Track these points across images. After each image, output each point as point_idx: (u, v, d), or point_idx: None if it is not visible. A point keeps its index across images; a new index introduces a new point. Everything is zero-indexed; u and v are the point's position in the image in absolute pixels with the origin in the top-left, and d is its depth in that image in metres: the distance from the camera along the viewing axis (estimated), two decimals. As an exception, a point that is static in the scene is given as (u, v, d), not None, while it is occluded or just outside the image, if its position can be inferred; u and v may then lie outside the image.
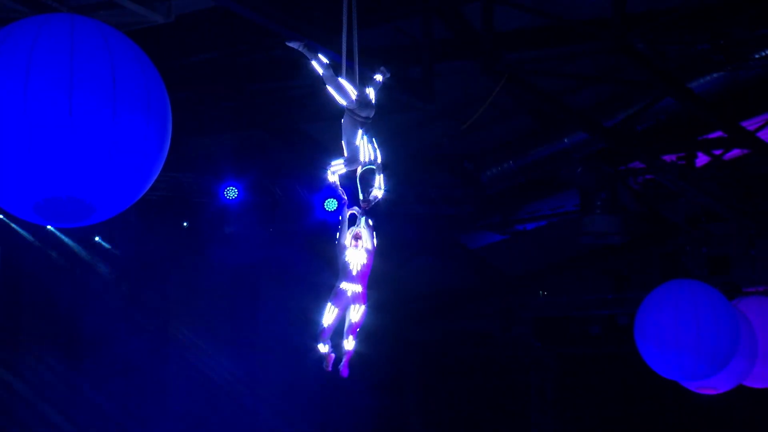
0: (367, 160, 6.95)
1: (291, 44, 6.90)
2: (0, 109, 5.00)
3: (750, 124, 10.41)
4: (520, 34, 9.10)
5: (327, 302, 6.98)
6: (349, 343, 6.92)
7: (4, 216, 11.86)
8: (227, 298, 14.09)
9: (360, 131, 6.94)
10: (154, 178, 5.50)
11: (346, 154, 6.99)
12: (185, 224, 12.80)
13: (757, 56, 9.00)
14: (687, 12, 8.52)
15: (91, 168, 5.09)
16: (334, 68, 6.84)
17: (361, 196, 7.08)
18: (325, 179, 6.99)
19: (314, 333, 6.99)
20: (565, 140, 10.98)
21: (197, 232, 12.95)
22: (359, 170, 6.98)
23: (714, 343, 8.85)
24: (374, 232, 7.17)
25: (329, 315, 6.94)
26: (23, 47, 5.07)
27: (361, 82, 7.00)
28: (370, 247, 7.10)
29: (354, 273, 6.99)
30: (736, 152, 11.00)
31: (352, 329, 6.96)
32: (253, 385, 14.41)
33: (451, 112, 10.92)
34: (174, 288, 13.78)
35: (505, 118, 11.34)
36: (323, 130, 11.08)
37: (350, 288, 7.02)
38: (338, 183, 7.03)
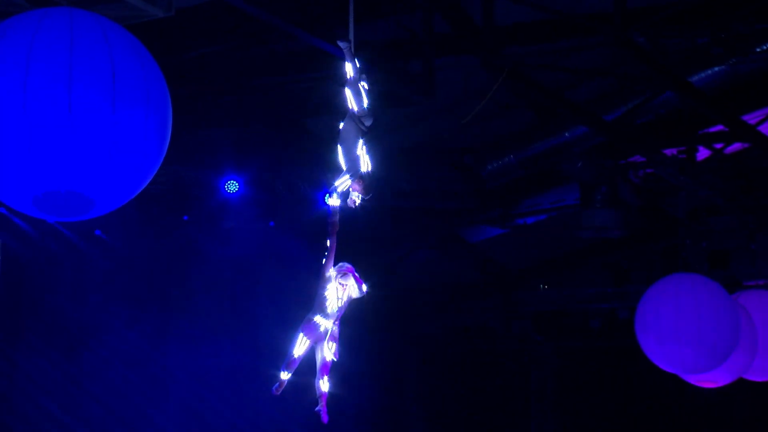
0: (365, 171, 6.84)
1: (341, 43, 6.83)
2: (0, 102, 4.99)
3: (751, 118, 10.39)
4: (521, 29, 9.08)
5: (298, 332, 6.75)
6: (324, 384, 6.70)
7: (5, 209, 11.85)
8: (227, 292, 14.08)
9: (361, 141, 6.86)
10: (154, 172, 5.48)
11: (344, 166, 6.88)
12: (185, 218, 12.79)
13: (758, 50, 8.98)
14: (687, 6, 8.51)
15: (91, 162, 5.07)
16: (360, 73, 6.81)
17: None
18: (330, 202, 6.82)
19: (281, 361, 6.87)
20: (566, 134, 10.97)
21: (197, 225, 12.93)
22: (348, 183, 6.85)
23: (714, 337, 8.85)
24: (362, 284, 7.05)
25: (301, 346, 6.71)
26: (23, 41, 5.06)
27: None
28: (355, 295, 6.91)
29: (329, 311, 6.80)
30: (737, 146, 10.99)
31: (326, 369, 6.72)
32: (253, 379, 14.42)
33: (451, 106, 10.90)
34: (174, 282, 13.77)
35: (506, 113, 11.32)
36: (324, 124, 11.06)
37: (324, 323, 6.78)
38: (338, 208, 6.86)
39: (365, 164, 6.78)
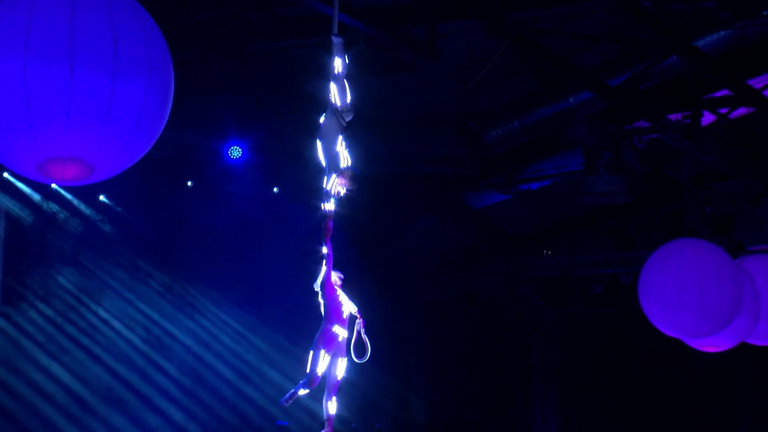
0: (344, 166, 6.82)
1: (334, 38, 6.79)
2: (1, 69, 4.96)
3: (756, 83, 10.31)
4: (526, -6, 8.99)
5: (318, 348, 6.85)
6: (332, 406, 6.78)
7: (9, 174, 11.84)
8: (230, 257, 14.10)
9: (340, 137, 6.83)
10: (156, 138, 5.45)
11: (324, 162, 6.86)
12: (189, 183, 12.76)
13: (765, 13, 8.88)
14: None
15: (92, 128, 5.04)
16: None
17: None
18: (323, 206, 6.80)
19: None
20: (570, 100, 10.89)
21: (201, 191, 12.92)
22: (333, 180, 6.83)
23: (717, 302, 8.84)
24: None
25: (323, 363, 6.83)
26: (23, 8, 5.01)
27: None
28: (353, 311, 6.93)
29: (344, 316, 6.91)
30: (741, 111, 10.91)
31: (335, 388, 6.82)
32: (258, 343, 14.48)
33: (456, 72, 10.84)
34: (178, 247, 13.78)
35: (510, 78, 11.25)
36: (326, 90, 11.00)
37: (341, 333, 6.89)
38: (331, 213, 6.84)
39: (344, 159, 6.79)
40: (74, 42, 4.95)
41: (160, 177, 12.41)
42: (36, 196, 12.58)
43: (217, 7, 9.69)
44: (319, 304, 7.23)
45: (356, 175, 6.87)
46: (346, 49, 6.76)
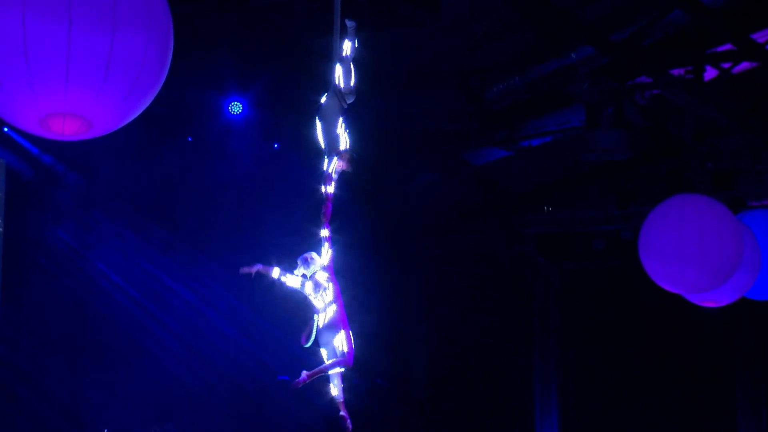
0: (343, 149, 6.83)
1: (348, 22, 6.80)
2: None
3: (760, 37, 10.24)
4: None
5: (347, 328, 7.02)
6: (336, 389, 6.96)
7: (9, 128, 11.81)
8: (231, 213, 14.10)
9: (341, 119, 6.83)
10: (155, 93, 5.42)
11: (323, 143, 6.86)
12: (189, 139, 12.74)
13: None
14: None
15: (91, 83, 5.02)
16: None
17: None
18: (322, 189, 6.79)
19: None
20: (572, 55, 10.84)
21: (201, 147, 12.89)
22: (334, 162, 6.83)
23: (717, 256, 8.85)
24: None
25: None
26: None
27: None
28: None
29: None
30: (745, 65, 10.85)
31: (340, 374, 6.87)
32: (258, 298, 14.53)
33: (457, 26, 10.76)
34: (178, 203, 13.78)
35: (512, 34, 11.17)
36: (327, 44, 10.93)
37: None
38: (331, 195, 6.83)
39: (344, 141, 6.80)
40: (72, -5, 4.91)
41: (160, 133, 12.38)
42: (36, 151, 12.57)
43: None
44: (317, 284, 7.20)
45: (354, 158, 6.89)
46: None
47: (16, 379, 12.98)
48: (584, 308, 15.63)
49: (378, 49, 10.67)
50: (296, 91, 12.11)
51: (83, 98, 5.04)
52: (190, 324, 14.16)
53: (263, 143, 12.91)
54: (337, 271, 7.46)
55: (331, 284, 7.00)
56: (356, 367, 7.40)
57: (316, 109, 7.04)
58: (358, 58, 7.04)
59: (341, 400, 6.86)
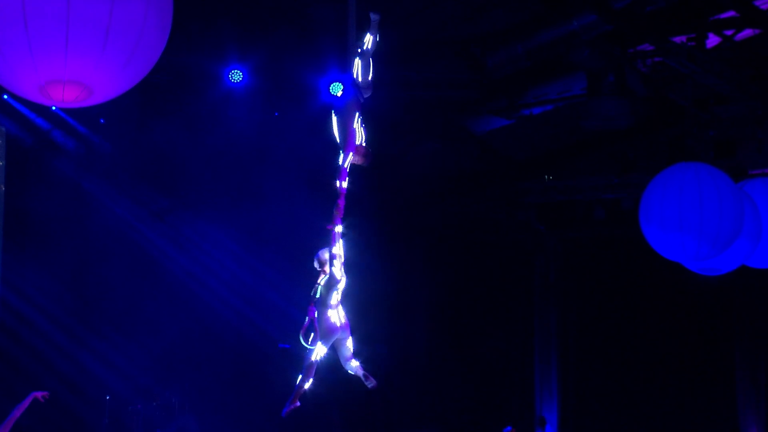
0: (359, 143, 6.78)
1: (372, 15, 6.75)
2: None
3: (763, 3, 10.18)
4: None
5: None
6: (354, 363, 6.96)
7: (9, 96, 11.79)
8: (232, 182, 14.10)
9: (357, 113, 6.78)
10: (155, 61, 5.42)
11: (339, 137, 6.80)
12: (189, 107, 12.71)
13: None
14: None
15: (91, 50, 5.01)
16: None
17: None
18: (337, 184, 6.73)
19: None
20: (574, 22, 10.78)
21: (201, 115, 12.87)
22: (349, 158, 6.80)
23: (717, 225, 8.85)
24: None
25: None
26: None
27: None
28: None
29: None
30: (747, 32, 10.80)
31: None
32: (259, 267, 14.57)
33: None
34: (178, 171, 13.78)
35: (513, 1, 11.12)
36: (328, 13, 10.88)
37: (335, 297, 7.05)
38: (344, 191, 6.79)
39: (360, 136, 6.76)
40: (72, -39, 4.88)
41: (160, 101, 12.36)
42: (36, 119, 12.55)
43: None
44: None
45: (369, 153, 6.87)
46: None
47: (18, 348, 13.07)
48: (584, 277, 15.67)
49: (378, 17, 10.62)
50: (297, 60, 12.06)
51: (83, 65, 5.04)
52: (189, 292, 14.20)
53: (264, 111, 12.88)
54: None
55: (343, 279, 7.02)
56: (355, 334, 7.46)
57: (332, 104, 7.02)
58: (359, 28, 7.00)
59: (361, 372, 6.91)
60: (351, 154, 6.78)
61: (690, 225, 8.88)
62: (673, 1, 10.05)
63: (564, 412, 15.32)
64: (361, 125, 6.87)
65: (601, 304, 15.54)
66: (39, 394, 6.54)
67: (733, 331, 14.28)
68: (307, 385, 6.89)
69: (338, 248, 6.89)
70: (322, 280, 7.01)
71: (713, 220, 8.84)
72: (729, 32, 10.72)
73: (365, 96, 6.91)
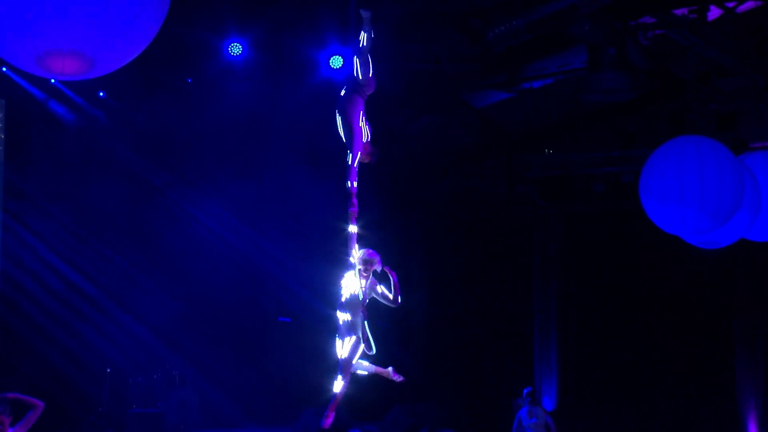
0: (365, 140, 6.75)
1: (363, 12, 6.73)
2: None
3: (764, -24, 10.12)
4: None
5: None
6: (337, 384, 6.76)
7: (8, 68, 11.76)
8: (231, 155, 14.10)
9: (361, 111, 6.74)
10: (155, 32, 5.39)
11: (345, 139, 6.75)
12: (189, 81, 12.68)
13: None
14: None
15: (92, 21, 4.98)
16: None
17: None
18: (348, 184, 6.67)
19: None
20: (575, -5, 10.71)
21: (201, 88, 12.84)
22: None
23: (717, 198, 8.83)
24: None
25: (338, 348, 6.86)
26: None
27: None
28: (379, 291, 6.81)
29: (342, 300, 6.83)
30: (749, 4, 10.75)
31: (339, 368, 6.77)
32: (259, 239, 14.60)
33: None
34: (178, 144, 13.78)
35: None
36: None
37: (340, 317, 6.85)
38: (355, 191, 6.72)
39: (365, 134, 6.72)
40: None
41: (160, 74, 12.33)
42: (36, 92, 12.53)
43: None
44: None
45: (375, 151, 6.85)
46: None
47: (18, 320, 13.12)
48: (584, 251, 15.68)
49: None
50: (296, 32, 12.01)
51: (83, 35, 5.01)
52: (190, 266, 14.23)
53: (263, 84, 12.86)
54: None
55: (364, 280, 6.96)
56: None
57: (336, 103, 6.98)
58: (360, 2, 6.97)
59: (334, 394, 6.84)
60: (359, 153, 6.75)
61: (690, 198, 8.86)
62: (675, -27, 10.00)
63: (563, 386, 15.37)
64: (366, 123, 6.86)
65: (601, 278, 15.56)
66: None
67: (732, 304, 14.32)
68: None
69: (356, 251, 6.82)
70: (352, 281, 6.90)
71: (714, 193, 8.82)
72: (730, 4, 10.67)
73: (368, 92, 6.89)
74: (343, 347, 6.86)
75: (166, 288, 13.95)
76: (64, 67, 5.14)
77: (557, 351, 15.48)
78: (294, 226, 14.18)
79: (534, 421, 12.14)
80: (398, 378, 7.07)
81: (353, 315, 6.82)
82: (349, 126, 6.81)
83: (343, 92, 6.97)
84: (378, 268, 6.96)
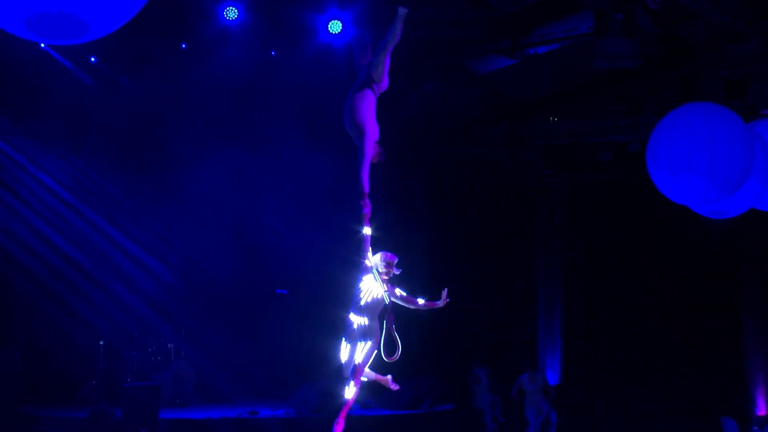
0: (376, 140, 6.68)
1: (400, 9, 6.68)
2: None
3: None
4: None
5: (341, 338, 6.79)
6: (349, 391, 6.67)
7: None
8: (227, 121, 14.06)
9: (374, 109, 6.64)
10: (149, -5, 5.38)
11: (355, 137, 6.67)
12: (183, 46, 12.64)
13: None
14: None
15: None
16: None
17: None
18: (361, 188, 6.59)
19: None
20: (581, -43, 10.66)
21: (196, 54, 12.78)
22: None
23: (727, 166, 8.79)
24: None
25: (344, 351, 6.81)
26: None
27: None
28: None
29: (362, 304, 6.73)
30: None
31: (353, 373, 6.69)
32: (256, 209, 14.60)
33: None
34: (171, 110, 13.73)
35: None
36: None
37: (355, 320, 6.76)
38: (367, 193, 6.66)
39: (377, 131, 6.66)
40: None
41: (153, 39, 12.29)
42: (26, 57, 12.48)
43: None
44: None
45: (382, 150, 6.80)
46: None
47: (11, 292, 13.17)
48: (589, 221, 15.67)
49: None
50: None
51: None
52: (186, 238, 14.24)
53: (260, 50, 12.81)
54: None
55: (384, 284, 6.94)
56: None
57: (346, 98, 6.91)
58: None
59: (346, 401, 6.81)
60: (373, 152, 6.70)
61: (699, 167, 8.82)
62: (685, -66, 9.92)
63: (567, 358, 15.42)
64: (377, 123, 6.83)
65: (607, 249, 15.56)
66: None
67: (741, 276, 14.33)
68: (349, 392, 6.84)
69: (371, 255, 6.76)
70: (373, 285, 6.82)
71: (723, 161, 8.77)
72: (741, -33, 10.60)
73: (381, 91, 6.80)
74: (351, 351, 6.79)
75: (160, 259, 13.97)
76: (54, 31, 5.11)
77: (561, 323, 15.51)
78: (292, 195, 14.17)
79: (534, 387, 12.39)
80: (395, 387, 7.08)
81: (371, 319, 6.79)
82: (361, 123, 6.68)
83: (354, 87, 6.86)
84: (397, 271, 6.94)
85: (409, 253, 15.19)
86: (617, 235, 15.50)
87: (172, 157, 13.89)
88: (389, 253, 6.89)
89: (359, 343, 6.77)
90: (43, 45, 11.76)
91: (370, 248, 6.75)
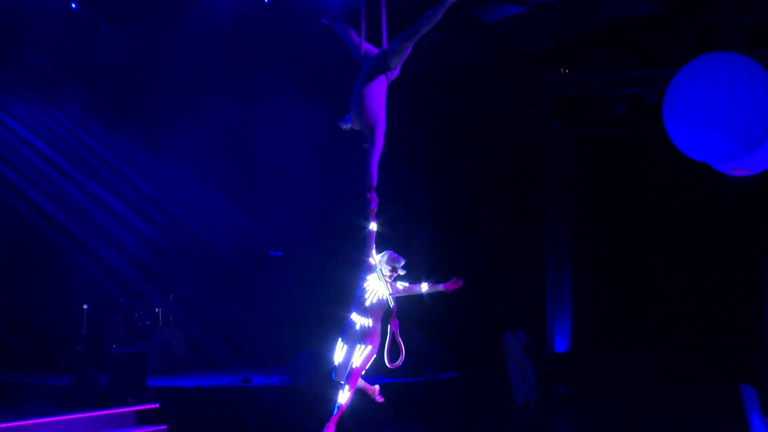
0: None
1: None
2: None
3: None
4: None
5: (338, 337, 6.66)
6: (343, 395, 6.56)
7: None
8: (218, 73, 13.82)
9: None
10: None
11: (363, 127, 6.50)
12: (176, 27, 12.42)
13: None
14: None
15: None
16: None
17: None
18: (369, 181, 6.31)
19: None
20: None
21: (182, 2, 12.51)
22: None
23: (748, 121, 8.58)
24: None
25: (340, 352, 6.68)
26: None
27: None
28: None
29: (366, 305, 6.58)
30: None
31: (348, 376, 6.58)
32: (250, 174, 14.41)
33: None
34: (157, 60, 13.48)
35: None
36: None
37: (358, 321, 6.62)
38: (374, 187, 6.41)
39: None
40: None
41: (143, 22, 12.11)
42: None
43: None
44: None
45: (386, 142, 6.56)
46: None
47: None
48: (601, 179, 15.48)
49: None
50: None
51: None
52: (173, 196, 14.08)
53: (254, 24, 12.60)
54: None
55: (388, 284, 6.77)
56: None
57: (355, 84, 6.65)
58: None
59: (340, 405, 6.66)
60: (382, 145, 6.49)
61: (718, 121, 8.61)
62: None
63: (577, 322, 15.30)
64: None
65: (619, 209, 15.38)
66: None
67: (763, 239, 14.14)
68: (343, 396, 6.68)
69: (375, 253, 6.55)
70: (378, 286, 6.64)
71: (744, 115, 8.55)
72: None
73: (392, 78, 6.55)
74: (348, 353, 6.66)
75: (146, 218, 13.81)
76: None
77: (571, 286, 15.38)
78: (286, 151, 13.95)
79: (517, 346, 12.76)
80: (380, 399, 6.97)
81: (375, 321, 6.66)
82: (374, 114, 6.42)
83: (362, 76, 6.60)
84: (402, 271, 6.75)
85: (413, 215, 15.10)
86: (631, 194, 15.30)
87: (157, 109, 13.65)
88: (396, 255, 6.72)
89: (358, 346, 6.65)
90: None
91: (374, 245, 6.57)
